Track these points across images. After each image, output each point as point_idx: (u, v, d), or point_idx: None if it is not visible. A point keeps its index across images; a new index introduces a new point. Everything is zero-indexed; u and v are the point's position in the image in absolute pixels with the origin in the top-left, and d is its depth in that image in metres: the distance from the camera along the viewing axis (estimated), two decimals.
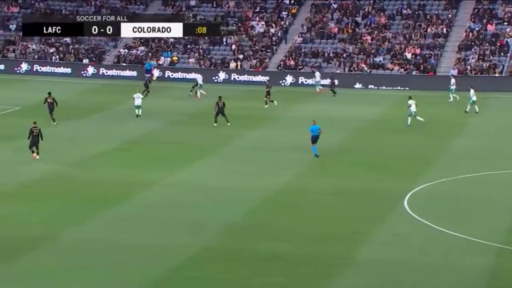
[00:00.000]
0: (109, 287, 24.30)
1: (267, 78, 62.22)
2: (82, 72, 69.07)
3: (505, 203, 33.07)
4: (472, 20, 69.83)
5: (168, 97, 59.47)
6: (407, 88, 62.52)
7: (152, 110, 52.51)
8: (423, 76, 65.10)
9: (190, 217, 30.81)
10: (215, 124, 47.94)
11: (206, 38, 69.58)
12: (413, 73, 65.55)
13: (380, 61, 66.97)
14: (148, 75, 63.59)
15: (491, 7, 70.73)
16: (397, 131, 47.54)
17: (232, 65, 68.25)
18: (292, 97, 59.65)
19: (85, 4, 76.80)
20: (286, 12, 73.72)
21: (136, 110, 50.53)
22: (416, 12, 71.39)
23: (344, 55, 67.83)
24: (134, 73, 67.46)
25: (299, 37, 70.62)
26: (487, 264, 26.15)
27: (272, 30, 71.71)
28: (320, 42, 70.16)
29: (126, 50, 71.32)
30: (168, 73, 67.78)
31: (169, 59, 69.88)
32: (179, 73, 67.32)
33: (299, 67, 67.38)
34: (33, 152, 39.05)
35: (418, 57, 66.79)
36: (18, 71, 69.73)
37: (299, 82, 65.32)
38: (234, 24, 72.66)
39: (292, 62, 67.72)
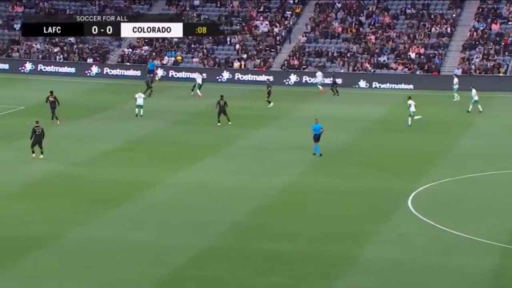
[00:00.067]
0: (113, 287, 24.30)
1: (267, 78, 62.44)
2: (86, 72, 69.11)
3: (509, 203, 33.01)
4: (477, 19, 69.72)
5: (171, 96, 59.48)
6: (411, 87, 62.60)
7: (155, 110, 52.52)
8: (427, 76, 65.02)
9: (194, 216, 30.80)
10: (219, 124, 47.94)
11: (210, 38, 69.55)
12: (417, 72, 65.48)
13: (384, 60, 66.90)
14: (150, 75, 63.56)
15: (496, 6, 70.60)
16: (401, 130, 47.49)
17: (236, 64, 68.24)
18: (296, 96, 59.63)
19: (89, 3, 76.83)
20: (290, 12, 73.69)
21: (137, 110, 50.55)
22: (420, 12, 71.30)
23: (348, 55, 67.79)
24: (138, 73, 67.46)
25: (303, 36, 70.58)
26: (491, 264, 26.10)
27: (276, 30, 71.70)
28: (324, 41, 70.12)
29: (130, 50, 71.36)
30: (171, 72, 67.79)
31: (173, 58, 69.89)
32: (183, 72, 67.30)
33: (303, 66, 67.34)
34: (33, 152, 39.06)
35: (422, 57, 66.72)
36: (22, 71, 69.78)
37: (303, 81, 65.27)
38: (238, 24, 72.65)
39: (296, 62, 67.69)
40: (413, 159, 40.46)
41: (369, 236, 28.61)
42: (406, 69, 65.94)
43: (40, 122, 40.01)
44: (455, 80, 58.39)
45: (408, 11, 71.53)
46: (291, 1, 74.52)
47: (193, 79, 62.20)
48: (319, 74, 62.47)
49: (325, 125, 40.95)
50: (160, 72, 66.78)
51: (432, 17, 70.42)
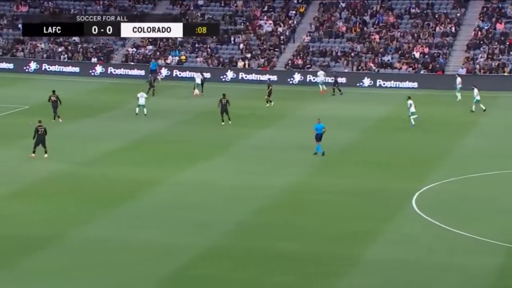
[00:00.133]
0: (119, 285, 24.32)
1: (268, 78, 62.63)
2: (91, 71, 69.15)
3: None
4: (481, 19, 69.62)
5: (175, 96, 59.50)
6: (415, 85, 62.62)
7: (159, 109, 52.54)
8: (431, 75, 64.95)
9: (197, 216, 30.81)
10: (223, 123, 47.95)
11: (214, 37, 69.56)
12: (421, 72, 65.42)
13: (388, 60, 66.85)
14: (152, 75, 63.52)
15: (500, 6, 70.49)
16: (405, 130, 47.43)
17: (240, 64, 68.22)
18: (300, 96, 59.60)
19: (94, 3, 76.88)
20: (294, 11, 73.64)
21: (137, 109, 50.58)
22: (425, 11, 71.22)
23: (352, 54, 67.75)
24: (142, 72, 67.47)
25: (307, 36, 70.54)
26: (495, 264, 26.07)
27: (280, 29, 71.67)
28: (328, 41, 70.07)
29: (134, 49, 71.38)
30: (176, 72, 67.80)
31: (177, 58, 69.90)
32: (187, 72, 67.28)
33: (307, 66, 67.31)
34: (33, 152, 39.11)
35: (426, 56, 66.65)
36: (26, 70, 69.85)
37: (307, 80, 65.23)
38: (242, 23, 72.64)
39: (300, 61, 67.66)
40: (417, 158, 40.41)
41: (373, 236, 28.59)
42: (410, 68, 65.89)
43: (43, 121, 40.05)
44: (458, 79, 58.30)
45: (413, 10, 71.46)
46: (295, 1, 74.48)
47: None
48: (320, 73, 62.37)
49: (329, 124, 40.92)
50: (164, 72, 66.80)
51: (437, 16, 70.34)
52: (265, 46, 69.96)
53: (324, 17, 72.26)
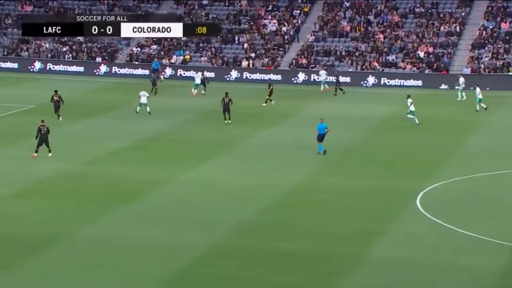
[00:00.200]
0: (123, 284, 24.35)
1: (269, 77, 62.68)
2: (95, 71, 69.24)
3: None
4: (486, 18, 69.54)
5: (179, 95, 59.51)
6: (419, 83, 62.58)
7: (164, 108, 52.58)
8: (436, 75, 64.89)
9: (202, 215, 30.83)
10: (226, 122, 47.95)
11: (218, 37, 69.58)
12: (426, 71, 65.36)
13: (392, 59, 66.80)
14: (155, 74, 63.55)
15: (505, 5, 70.41)
16: (409, 129, 47.39)
17: (244, 63, 68.23)
18: (304, 95, 59.58)
19: (98, 2, 76.95)
20: (298, 11, 73.64)
21: (138, 108, 50.63)
22: (429, 11, 71.15)
23: (357, 54, 67.71)
24: (147, 72, 67.50)
25: (311, 35, 70.53)
26: (500, 264, 26.03)
27: (284, 29, 71.66)
28: (332, 40, 70.05)
29: (139, 49, 71.43)
30: (180, 71, 67.85)
31: (181, 57, 69.93)
32: (191, 71, 67.32)
33: (311, 65, 67.29)
34: (36, 151, 39.15)
35: (431, 56, 66.59)
36: (31, 70, 69.98)
37: (311, 79, 65.20)
38: (246, 23, 72.64)
39: (304, 61, 67.65)
40: (421, 158, 40.38)
41: (377, 235, 28.57)
42: (415, 68, 65.83)
43: (47, 121, 40.10)
44: (461, 79, 58.15)
45: (417, 10, 71.39)
46: (300, 0, 74.48)
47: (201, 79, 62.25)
48: (322, 72, 62.32)
49: (333, 124, 40.89)
50: (168, 71, 66.81)
51: (441, 16, 70.27)
52: (269, 46, 69.96)
53: (329, 16, 72.23)
